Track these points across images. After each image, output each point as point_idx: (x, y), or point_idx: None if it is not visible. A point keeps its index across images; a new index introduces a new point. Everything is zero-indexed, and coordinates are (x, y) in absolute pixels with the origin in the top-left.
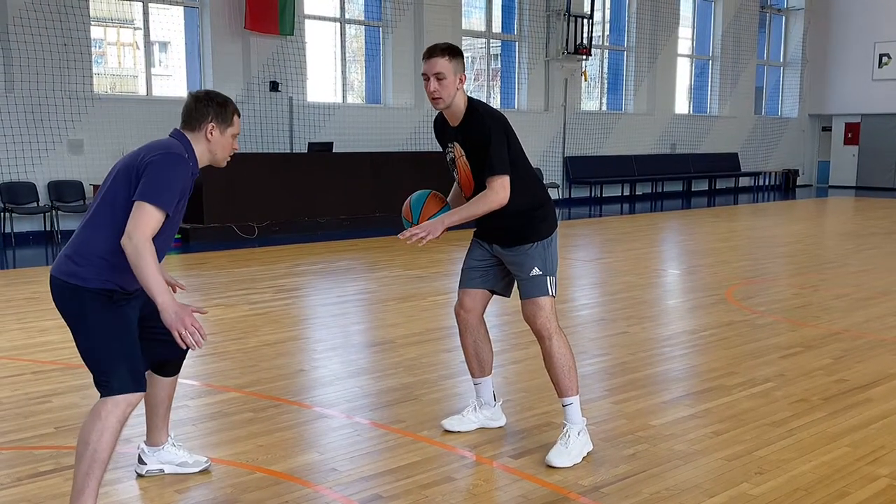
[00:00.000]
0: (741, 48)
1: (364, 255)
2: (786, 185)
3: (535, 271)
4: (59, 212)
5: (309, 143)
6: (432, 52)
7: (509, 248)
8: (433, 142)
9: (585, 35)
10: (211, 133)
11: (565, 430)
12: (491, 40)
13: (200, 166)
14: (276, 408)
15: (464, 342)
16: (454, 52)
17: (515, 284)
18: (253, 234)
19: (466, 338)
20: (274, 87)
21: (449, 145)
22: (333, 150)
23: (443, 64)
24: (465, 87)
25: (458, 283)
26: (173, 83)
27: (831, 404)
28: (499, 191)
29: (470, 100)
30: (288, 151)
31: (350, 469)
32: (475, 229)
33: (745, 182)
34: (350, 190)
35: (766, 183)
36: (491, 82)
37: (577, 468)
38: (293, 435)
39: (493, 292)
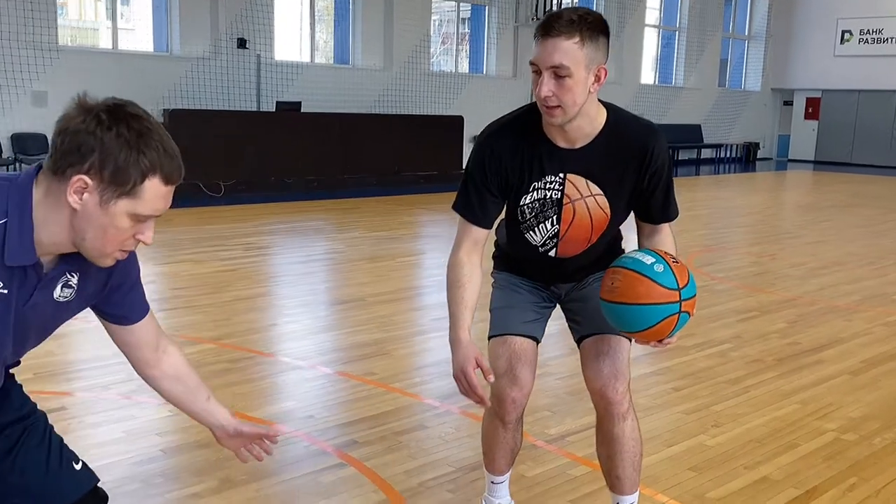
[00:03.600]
0: (707, 20)
1: (332, 215)
2: (746, 158)
3: None
4: (22, 164)
5: (277, 102)
6: (548, 29)
7: (585, 280)
8: (402, 105)
9: (555, 2)
10: (78, 193)
11: None
12: (461, 4)
13: (59, 250)
14: (251, 359)
15: (501, 438)
16: (588, 30)
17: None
18: (220, 192)
19: (507, 432)
20: (241, 44)
21: (548, 178)
22: (301, 110)
23: (567, 50)
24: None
25: (490, 326)
26: (137, 37)
27: (784, 365)
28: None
29: (609, 107)
30: (255, 110)
31: (326, 416)
32: (504, 267)
33: (707, 153)
34: (318, 151)
35: (728, 155)
36: (459, 46)
37: (543, 418)
38: (269, 385)
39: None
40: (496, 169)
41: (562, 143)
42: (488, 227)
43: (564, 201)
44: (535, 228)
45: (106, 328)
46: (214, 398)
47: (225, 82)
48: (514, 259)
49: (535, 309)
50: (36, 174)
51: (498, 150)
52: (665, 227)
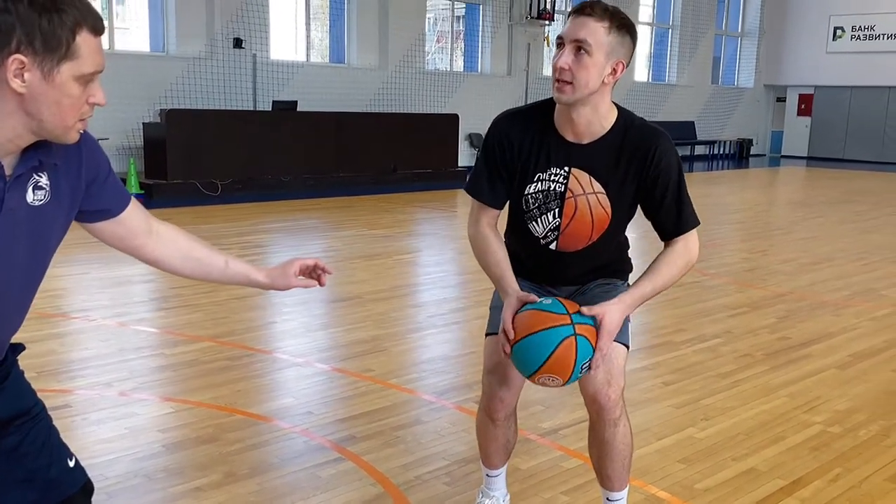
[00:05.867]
0: (700, 17)
1: (328, 214)
2: (740, 154)
3: None
4: None
5: (273, 102)
6: (582, 8)
7: (587, 285)
8: (397, 103)
9: (548, 0)
10: (18, 76)
11: None
12: (455, 3)
13: (18, 145)
14: (250, 357)
15: (492, 434)
16: (619, 22)
17: None
18: (216, 191)
19: (497, 428)
20: (237, 43)
21: (553, 170)
22: (297, 109)
23: (594, 30)
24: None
25: (487, 324)
26: (131, 37)
27: (773, 359)
28: (693, 247)
29: (621, 110)
30: (251, 109)
31: (324, 412)
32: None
33: (700, 150)
34: (314, 150)
35: (721, 152)
36: (454, 45)
37: (537, 413)
38: (267, 381)
39: None
40: (504, 153)
41: (570, 138)
42: (499, 207)
43: (567, 195)
44: (538, 219)
45: (97, 233)
46: (234, 258)
47: (221, 82)
48: (517, 256)
49: None
50: None
51: (508, 135)
52: (677, 246)
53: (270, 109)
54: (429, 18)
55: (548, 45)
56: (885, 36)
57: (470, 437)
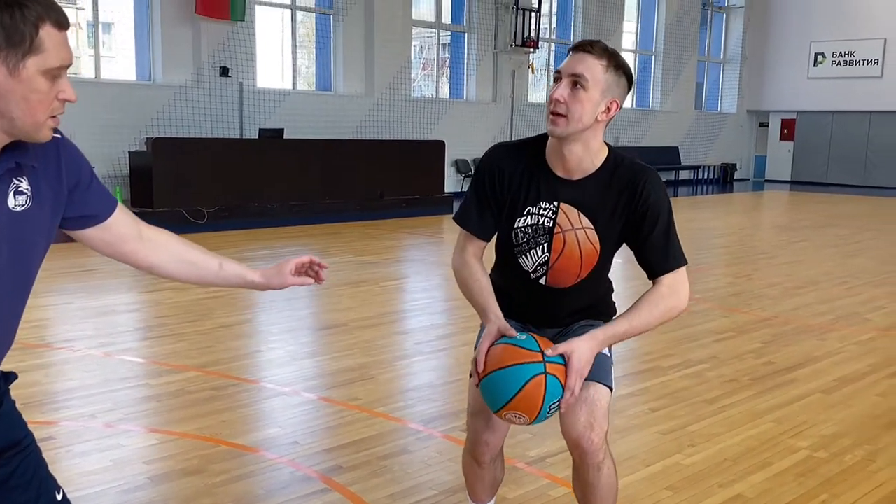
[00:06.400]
0: (683, 44)
1: (314, 241)
2: (724, 179)
3: (606, 350)
4: None
5: (260, 129)
6: (582, 45)
7: (570, 326)
8: (384, 130)
9: (533, 28)
10: None
11: None
12: (441, 31)
13: None
14: (236, 386)
15: (478, 475)
16: (616, 63)
17: None
18: (203, 219)
19: (483, 469)
20: (224, 72)
21: (542, 204)
22: (284, 137)
23: (592, 66)
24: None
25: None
26: (118, 66)
27: (759, 384)
28: (680, 290)
29: (612, 149)
30: (238, 137)
31: (310, 442)
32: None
33: (684, 175)
34: (301, 177)
35: (705, 176)
36: (440, 72)
37: (524, 441)
38: (254, 411)
39: None
40: (495, 184)
41: (560, 173)
42: (486, 239)
43: (556, 230)
44: (528, 254)
45: (86, 240)
46: (228, 260)
47: (208, 110)
48: (505, 293)
49: None
50: None
51: (499, 166)
52: (662, 287)
53: (257, 137)
54: (414, 46)
55: (532, 73)
56: (865, 62)
57: (457, 467)
